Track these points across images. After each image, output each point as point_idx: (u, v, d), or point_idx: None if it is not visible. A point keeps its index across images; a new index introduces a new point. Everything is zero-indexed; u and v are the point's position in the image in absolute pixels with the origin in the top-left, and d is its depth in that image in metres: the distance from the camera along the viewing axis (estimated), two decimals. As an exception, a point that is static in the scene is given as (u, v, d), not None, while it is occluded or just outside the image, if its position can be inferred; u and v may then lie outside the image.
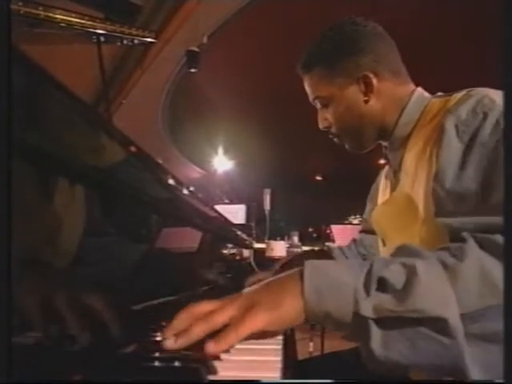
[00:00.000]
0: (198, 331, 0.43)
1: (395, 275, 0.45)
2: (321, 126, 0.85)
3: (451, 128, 0.62)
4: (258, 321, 0.45)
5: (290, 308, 0.46)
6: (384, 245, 0.87)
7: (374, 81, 0.76)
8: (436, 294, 0.44)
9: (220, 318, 0.45)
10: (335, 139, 0.86)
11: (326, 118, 0.83)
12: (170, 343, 0.43)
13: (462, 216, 0.56)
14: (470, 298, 0.45)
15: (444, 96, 0.73)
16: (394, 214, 0.79)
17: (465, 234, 0.51)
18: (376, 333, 0.44)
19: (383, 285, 0.45)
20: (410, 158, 0.72)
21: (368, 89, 0.77)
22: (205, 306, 0.47)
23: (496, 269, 0.45)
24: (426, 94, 0.78)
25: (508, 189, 0.49)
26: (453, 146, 0.61)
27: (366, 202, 1.09)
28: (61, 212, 0.45)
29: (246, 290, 0.51)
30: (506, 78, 0.47)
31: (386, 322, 0.44)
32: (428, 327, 0.43)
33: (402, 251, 0.51)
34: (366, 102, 0.77)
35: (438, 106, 0.72)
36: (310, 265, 0.48)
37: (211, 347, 0.42)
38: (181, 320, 0.45)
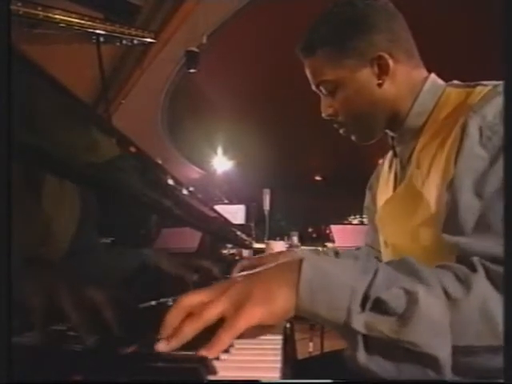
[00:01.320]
0: (190, 330, 0.42)
1: (395, 300, 0.43)
2: (324, 114, 0.77)
3: (474, 131, 0.55)
4: (251, 317, 0.43)
5: (282, 303, 0.45)
6: (386, 246, 0.82)
7: (390, 62, 0.69)
8: (433, 329, 0.42)
9: (211, 314, 0.43)
10: (341, 130, 0.78)
11: (331, 106, 0.75)
12: (163, 346, 0.42)
13: (472, 237, 0.52)
14: (466, 334, 0.43)
15: (462, 86, 0.67)
16: (398, 210, 0.74)
17: (475, 261, 0.47)
18: (363, 347, 0.43)
19: (381, 305, 0.43)
20: (423, 153, 0.66)
21: (382, 71, 0.69)
22: (194, 298, 0.45)
23: (500, 307, 0.43)
24: (440, 82, 0.72)
25: (508, 192, 0.47)
26: (474, 154, 0.54)
27: (366, 191, 1.02)
28: (50, 211, 0.45)
29: (239, 275, 0.49)
30: (507, 73, 0.45)
31: (376, 340, 0.42)
32: (417, 359, 0.42)
33: (403, 267, 0.47)
34: (380, 85, 0.70)
35: (455, 97, 0.65)
36: (308, 261, 0.46)
37: (205, 353, 0.41)
38: (173, 316, 0.44)
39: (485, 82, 0.63)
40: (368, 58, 0.69)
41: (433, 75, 0.72)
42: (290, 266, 0.47)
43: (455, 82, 0.71)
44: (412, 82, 0.71)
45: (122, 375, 0.37)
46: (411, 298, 0.42)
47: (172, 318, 0.44)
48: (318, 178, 10.29)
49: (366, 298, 0.43)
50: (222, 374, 0.38)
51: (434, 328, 0.42)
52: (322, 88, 0.75)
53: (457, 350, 0.43)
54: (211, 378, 0.37)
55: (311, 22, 0.75)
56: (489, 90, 0.59)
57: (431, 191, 0.62)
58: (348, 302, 0.43)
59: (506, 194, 0.48)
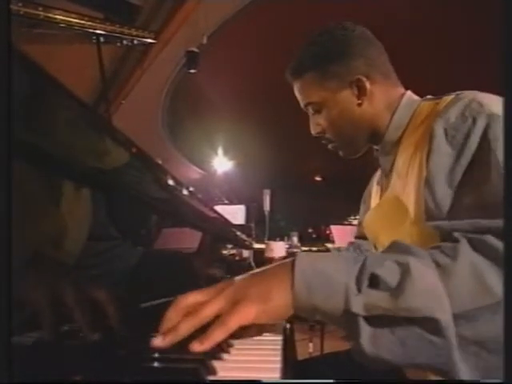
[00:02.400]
0: (186, 327, 0.43)
1: (388, 273, 0.44)
2: (313, 131, 0.85)
3: (440, 132, 0.62)
4: (246, 315, 0.44)
5: (279, 302, 0.46)
6: (376, 250, 0.87)
7: (367, 84, 0.77)
8: (429, 293, 0.43)
9: (207, 312, 0.44)
10: (329, 145, 0.86)
11: (318, 124, 0.83)
12: (159, 342, 0.43)
13: (452, 220, 0.57)
14: (462, 298, 0.44)
15: (433, 99, 0.74)
16: (383, 217, 0.80)
17: (457, 235, 0.51)
18: (366, 330, 0.43)
19: (375, 282, 0.44)
20: (401, 161, 0.73)
21: (361, 92, 0.77)
22: (192, 298, 0.47)
23: (488, 269, 0.45)
24: (416, 97, 0.79)
25: (508, 191, 0.48)
26: (442, 151, 0.61)
27: (360, 205, 1.09)
28: (66, 215, 0.45)
29: (235, 278, 0.50)
30: (505, 79, 0.46)
31: (377, 319, 0.43)
32: (419, 326, 0.42)
33: (394, 248, 0.51)
34: (360, 105, 0.78)
35: (427, 108, 0.72)
36: (301, 258, 0.48)
37: (196, 346, 0.42)
38: (171, 316, 0.45)
39: (451, 93, 0.69)
40: (347, 80, 0.77)
41: (409, 92, 0.80)
42: (283, 267, 0.49)
43: (429, 96, 0.77)
44: (389, 100, 0.78)
45: (122, 375, 0.37)
46: (403, 268, 0.44)
47: (170, 317, 0.45)
48: (318, 178, 10.28)
49: (360, 279, 0.45)
50: (222, 375, 0.38)
51: (430, 292, 0.43)
52: (309, 108, 0.83)
53: (457, 318, 0.44)
54: (211, 378, 0.37)
55: (297, 50, 0.83)
56: (452, 98, 0.67)
57: (410, 195, 0.68)
58: (344, 287, 0.44)
59: (505, 190, 0.49)
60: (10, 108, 0.32)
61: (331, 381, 0.50)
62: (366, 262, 0.46)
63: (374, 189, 0.95)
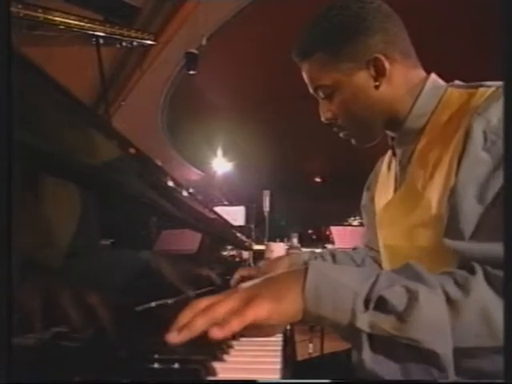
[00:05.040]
0: (200, 323, 0.43)
1: (397, 298, 0.44)
2: (323, 118, 0.76)
3: (478, 134, 0.54)
4: (262, 309, 0.44)
5: (290, 304, 0.46)
6: (384, 248, 0.81)
7: (386, 63, 0.68)
8: (433, 326, 0.43)
9: (221, 309, 0.45)
10: (341, 133, 0.77)
11: (329, 109, 0.74)
12: (173, 337, 0.42)
13: (473, 242, 0.52)
14: (467, 335, 0.44)
15: (465, 87, 0.65)
16: (398, 211, 0.73)
17: (475, 265, 0.48)
18: (368, 346, 0.44)
19: (383, 304, 0.44)
20: (426, 154, 0.65)
21: (379, 73, 0.68)
22: (207, 301, 0.47)
23: (499, 310, 0.44)
24: (441, 82, 0.70)
25: (509, 192, 0.46)
26: (478, 159, 0.53)
27: (364, 191, 1.01)
28: (51, 212, 0.45)
29: (246, 284, 0.51)
30: (506, 70, 0.44)
31: (380, 339, 0.44)
32: (420, 355, 0.43)
33: (406, 271, 0.49)
34: (377, 87, 0.69)
35: (458, 98, 0.64)
36: (314, 267, 0.48)
37: (216, 332, 0.41)
38: (185, 316, 0.45)
39: (487, 83, 0.61)
40: (364, 60, 0.68)
41: (433, 75, 0.71)
42: (296, 274, 0.49)
43: (457, 82, 0.69)
44: (410, 83, 0.70)
45: (121, 376, 0.37)
46: (412, 296, 0.44)
47: (185, 315, 0.45)
48: (317, 179, 10.28)
49: (368, 298, 0.45)
50: (222, 375, 0.38)
51: (434, 325, 0.43)
52: (319, 92, 0.74)
53: (458, 352, 0.43)
54: (211, 378, 0.37)
55: (305, 26, 0.74)
56: (492, 91, 0.58)
57: (433, 193, 0.62)
58: (352, 303, 0.44)
59: (505, 198, 0.48)
60: (10, 108, 0.32)
61: (331, 381, 0.50)
62: (377, 282, 0.46)
63: (384, 175, 0.86)
